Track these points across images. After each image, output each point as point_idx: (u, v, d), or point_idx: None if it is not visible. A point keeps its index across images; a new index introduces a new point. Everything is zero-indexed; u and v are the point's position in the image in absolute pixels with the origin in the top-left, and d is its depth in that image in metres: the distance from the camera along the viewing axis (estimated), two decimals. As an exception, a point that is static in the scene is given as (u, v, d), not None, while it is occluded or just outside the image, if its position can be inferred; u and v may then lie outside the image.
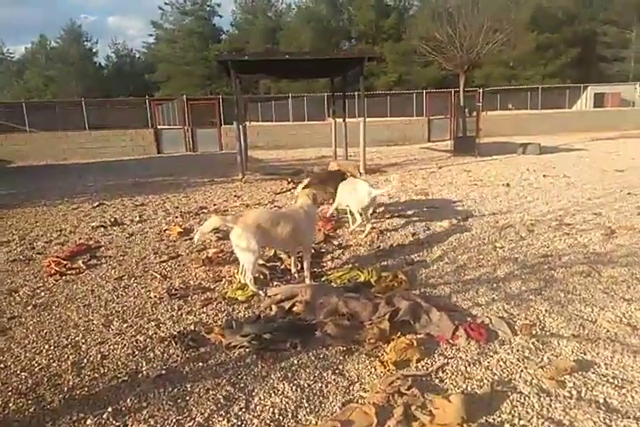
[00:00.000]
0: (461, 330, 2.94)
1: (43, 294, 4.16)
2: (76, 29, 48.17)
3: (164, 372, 2.72)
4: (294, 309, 3.47)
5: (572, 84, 31.17)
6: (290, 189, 9.32)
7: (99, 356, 2.97)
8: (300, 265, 4.26)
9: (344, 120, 13.48)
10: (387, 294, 3.51)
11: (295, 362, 2.78)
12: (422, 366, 2.65)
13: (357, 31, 45.12)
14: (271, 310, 3.54)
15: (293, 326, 3.09)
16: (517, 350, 2.77)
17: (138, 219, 6.96)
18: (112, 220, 6.84)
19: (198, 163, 15.45)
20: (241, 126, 11.90)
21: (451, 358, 2.73)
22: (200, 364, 2.81)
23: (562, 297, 3.47)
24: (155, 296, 3.95)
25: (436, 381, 2.51)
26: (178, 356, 2.92)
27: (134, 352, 3.00)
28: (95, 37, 54.35)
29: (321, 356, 2.84)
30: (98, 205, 8.10)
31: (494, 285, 3.77)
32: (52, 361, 2.93)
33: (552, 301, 3.42)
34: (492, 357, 2.71)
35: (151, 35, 50.00)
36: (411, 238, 5.25)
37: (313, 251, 4.59)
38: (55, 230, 6.46)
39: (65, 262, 4.87)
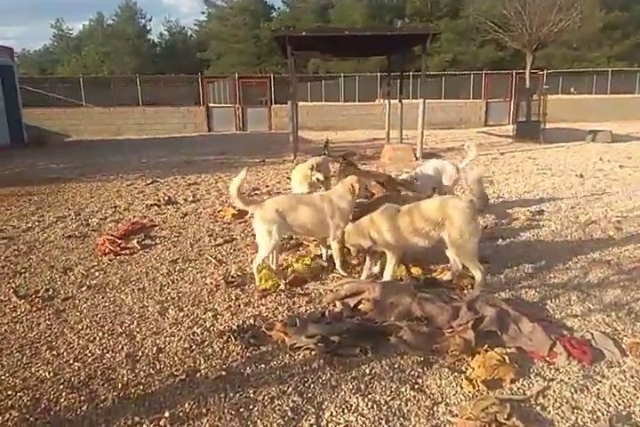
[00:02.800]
0: (560, 346, 2.54)
1: (97, 274, 4.04)
2: (132, 7, 48.72)
3: (224, 373, 2.48)
4: (360, 307, 3.16)
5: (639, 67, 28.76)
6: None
7: (154, 348, 2.77)
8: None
9: (400, 101, 12.89)
10: (466, 296, 3.14)
11: (367, 371, 2.48)
12: (518, 389, 2.28)
13: (412, 8, 43.32)
14: (335, 306, 3.25)
15: (363, 329, 2.78)
16: (631, 376, 2.35)
17: (191, 198, 6.82)
18: (166, 198, 6.72)
19: (249, 142, 15.29)
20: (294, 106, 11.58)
21: (550, 380, 2.35)
22: (262, 365, 2.56)
23: (674, 312, 3.00)
24: (211, 283, 3.74)
25: (538, 408, 2.14)
26: (238, 354, 2.68)
27: (191, 346, 2.78)
28: (149, 15, 54.64)
29: (396, 366, 2.52)
30: (151, 183, 8.04)
31: (588, 292, 3.32)
32: (105, 351, 2.76)
33: (663, 315, 2.95)
34: (600, 382, 2.31)
35: (203, 12, 50.01)
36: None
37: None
38: (110, 207, 6.41)
39: (119, 242, 4.76)
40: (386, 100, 14.80)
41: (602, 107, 21.12)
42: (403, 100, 13.02)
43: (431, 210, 3.42)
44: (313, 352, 2.63)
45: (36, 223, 5.66)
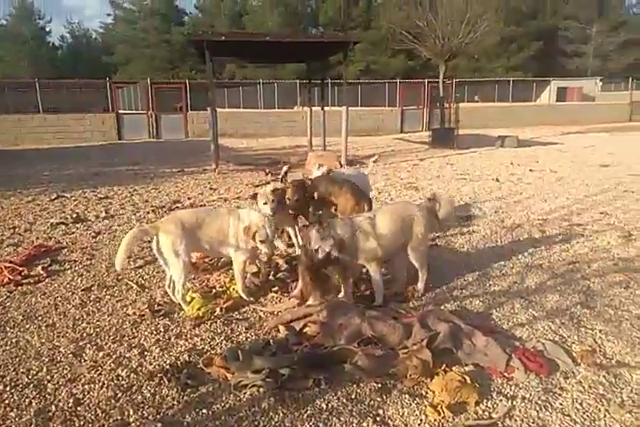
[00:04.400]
0: (516, 360, 2.49)
1: (-6, 310, 3.45)
2: (28, 6, 44.90)
3: (159, 425, 2.13)
4: (306, 330, 2.93)
5: (533, 77, 31.53)
6: (269, 182, 8.73)
7: (70, 400, 2.34)
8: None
9: (322, 108, 12.89)
10: (417, 312, 3.02)
11: (324, 406, 2.25)
12: (483, 412, 2.17)
13: (326, 18, 44.17)
14: (278, 331, 2.99)
15: (314, 358, 2.55)
16: (589, 387, 2.33)
17: (104, 214, 6.20)
18: (74, 216, 6.05)
19: (164, 151, 14.51)
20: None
21: (513, 397, 2.26)
22: (204, 411, 2.23)
23: (611, 314, 3.08)
24: (134, 313, 3.32)
25: (507, 433, 2.04)
26: (174, 399, 2.34)
27: (116, 394, 2.38)
28: (48, 16, 50.69)
29: (353, 396, 2.32)
30: (56, 198, 7.23)
31: (529, 298, 3.34)
32: (8, 410, 2.28)
33: (602, 318, 3.02)
34: (562, 396, 2.27)
35: (109, 14, 47.41)
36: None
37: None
38: (7, 228, 5.63)
39: (20, 269, 4.13)
40: (306, 108, 14.77)
41: (502, 114, 22.73)
42: (317, 108, 13.05)
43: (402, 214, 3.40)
44: (261, 389, 2.35)
45: None
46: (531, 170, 9.31)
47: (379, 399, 2.29)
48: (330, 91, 20.81)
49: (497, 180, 8.31)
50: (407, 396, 2.30)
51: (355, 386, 2.39)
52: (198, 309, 3.33)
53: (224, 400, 2.31)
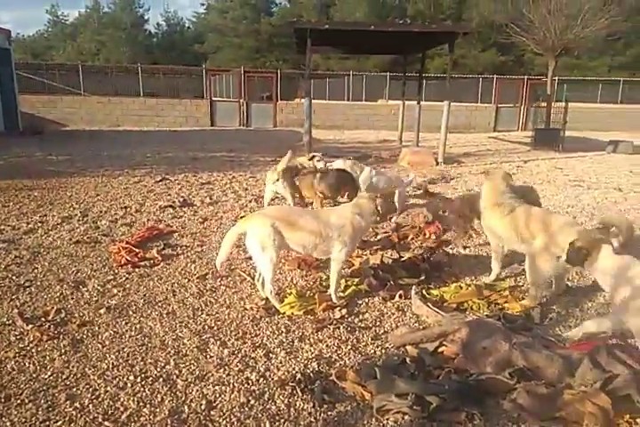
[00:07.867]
0: None
1: (115, 291, 3.47)
2: (129, -5, 47.57)
3: (301, 446, 1.94)
4: (442, 350, 2.64)
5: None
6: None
7: (203, 402, 2.22)
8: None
9: (418, 102, 12.39)
10: (575, 344, 2.63)
11: (483, 449, 1.96)
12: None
13: (414, 9, 42.88)
14: (406, 351, 2.70)
15: (465, 387, 2.25)
16: None
17: (208, 200, 6.24)
18: (180, 199, 6.14)
19: (255, 139, 14.65)
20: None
21: None
22: (346, 435, 2.02)
23: None
24: (252, 309, 3.19)
25: None
26: (310, 415, 2.14)
27: (249, 401, 2.23)
28: (147, 4, 53.47)
29: (516, 440, 2.00)
30: (161, 180, 7.41)
31: None
32: (142, 405, 2.19)
33: None
34: None
35: (203, 4, 49.10)
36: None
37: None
38: (119, 207, 5.80)
39: (137, 251, 4.17)
40: (392, 102, 14.32)
41: (612, 117, 20.82)
42: (415, 102, 12.55)
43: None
44: (406, 417, 2.10)
45: (39, 224, 5.04)
46: (656, 181, 8.32)
47: (548, 449, 1.96)
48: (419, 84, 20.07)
49: (619, 189, 7.48)
50: (583, 449, 1.95)
51: (514, 427, 2.07)
52: (291, 307, 3.16)
53: (366, 424, 2.08)
